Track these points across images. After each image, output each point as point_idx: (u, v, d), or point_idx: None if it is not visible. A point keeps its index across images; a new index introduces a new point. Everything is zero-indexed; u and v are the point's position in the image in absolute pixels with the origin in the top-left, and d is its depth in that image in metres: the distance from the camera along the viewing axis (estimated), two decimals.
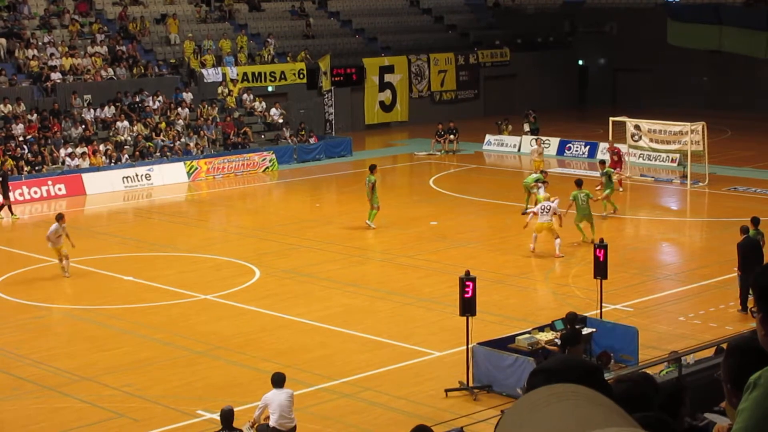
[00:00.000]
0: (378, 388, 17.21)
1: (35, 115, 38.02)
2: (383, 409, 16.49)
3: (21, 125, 37.20)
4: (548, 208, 25.58)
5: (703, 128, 34.08)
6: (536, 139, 37.59)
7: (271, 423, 14.21)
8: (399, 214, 30.35)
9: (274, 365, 16.85)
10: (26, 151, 36.11)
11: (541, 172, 30.87)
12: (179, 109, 40.85)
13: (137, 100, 40.60)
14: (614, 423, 2.13)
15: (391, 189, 33.46)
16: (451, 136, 42.72)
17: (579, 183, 27.36)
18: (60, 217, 24.71)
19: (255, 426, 14.38)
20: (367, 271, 25.33)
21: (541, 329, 17.70)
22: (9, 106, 37.81)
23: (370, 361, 18.49)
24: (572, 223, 26.53)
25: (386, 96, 49.88)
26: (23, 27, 42.30)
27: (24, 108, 38.01)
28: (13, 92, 38.60)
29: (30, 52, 40.62)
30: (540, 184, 29.06)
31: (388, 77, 49.75)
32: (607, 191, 29.33)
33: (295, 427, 14.42)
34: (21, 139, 36.69)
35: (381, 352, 18.98)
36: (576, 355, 11.14)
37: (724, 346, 12.86)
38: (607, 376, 3.35)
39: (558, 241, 25.28)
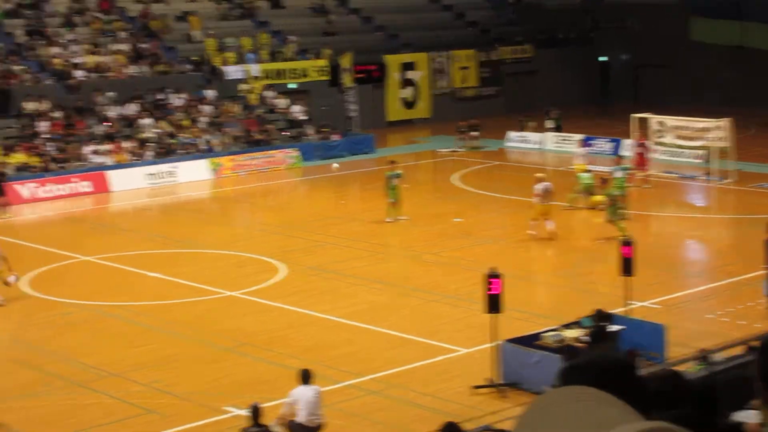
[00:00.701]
0: (405, 384, 17.23)
1: (60, 112, 38.21)
2: (410, 405, 16.50)
3: (46, 123, 37.40)
4: (550, 189, 26.26)
5: (728, 124, 33.91)
6: (579, 141, 37.15)
7: (300, 419, 14.23)
8: (422, 212, 30.35)
9: (300, 362, 16.87)
10: (52, 148, 36.29)
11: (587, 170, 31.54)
12: (202, 106, 40.96)
13: (160, 97, 40.73)
14: (628, 422, 2.16)
15: (414, 186, 33.43)
16: (474, 133, 42.67)
17: (604, 181, 27.93)
18: None
19: (283, 422, 14.42)
20: (392, 268, 25.35)
21: (568, 326, 17.67)
22: (33, 103, 38.01)
23: (396, 357, 18.49)
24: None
25: (408, 93, 49.86)
26: (46, 25, 42.52)
27: (48, 105, 38.21)
28: (37, 90, 38.80)
29: (53, 50, 40.82)
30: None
31: (409, 74, 49.74)
32: (610, 193, 26.88)
33: (322, 423, 14.44)
34: (47, 136, 36.88)
35: (407, 349, 18.98)
36: (608, 352, 11.12)
37: (753, 343, 12.78)
38: None
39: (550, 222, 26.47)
